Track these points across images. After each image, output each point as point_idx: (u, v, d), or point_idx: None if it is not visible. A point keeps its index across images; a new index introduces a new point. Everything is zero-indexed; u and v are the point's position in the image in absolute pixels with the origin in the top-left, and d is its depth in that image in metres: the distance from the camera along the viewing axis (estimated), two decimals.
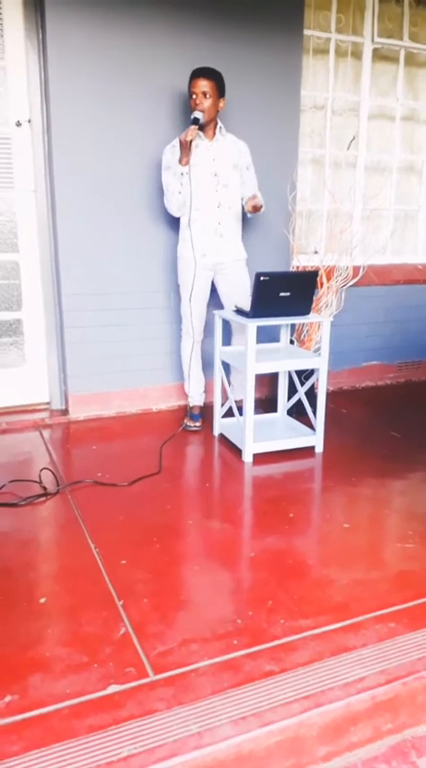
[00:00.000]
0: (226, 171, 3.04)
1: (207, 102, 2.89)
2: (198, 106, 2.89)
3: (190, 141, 2.87)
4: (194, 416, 3.31)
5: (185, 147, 2.88)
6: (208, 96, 2.89)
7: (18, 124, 3.14)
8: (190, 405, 3.42)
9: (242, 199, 3.13)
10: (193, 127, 2.85)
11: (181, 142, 2.87)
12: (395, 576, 1.99)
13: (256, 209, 3.01)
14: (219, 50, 3.25)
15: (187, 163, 2.92)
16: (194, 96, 2.90)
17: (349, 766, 1.46)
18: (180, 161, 2.92)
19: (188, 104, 3.16)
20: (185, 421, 3.31)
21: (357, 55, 3.86)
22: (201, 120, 2.88)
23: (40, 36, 3.02)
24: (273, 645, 1.65)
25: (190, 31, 3.19)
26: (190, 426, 3.27)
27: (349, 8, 3.77)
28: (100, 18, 3.02)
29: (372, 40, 3.83)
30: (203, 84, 2.88)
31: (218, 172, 3.02)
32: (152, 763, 1.29)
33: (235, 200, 3.10)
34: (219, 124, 3.02)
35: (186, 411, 3.42)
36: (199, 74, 2.90)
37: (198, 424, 3.28)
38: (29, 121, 3.15)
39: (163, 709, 1.43)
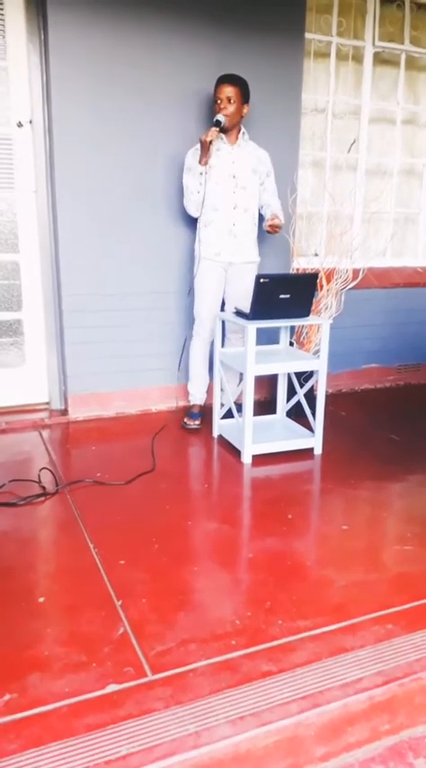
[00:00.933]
0: (244, 174, 3.09)
1: (231, 108, 2.98)
2: (222, 110, 2.97)
3: (210, 142, 2.93)
4: (194, 415, 3.32)
5: (205, 147, 2.95)
6: (232, 102, 2.98)
7: (19, 125, 3.15)
8: (191, 403, 3.43)
9: (261, 207, 3.22)
10: (214, 128, 2.93)
11: (201, 142, 2.94)
12: (393, 577, 1.99)
13: (274, 228, 3.07)
14: (221, 54, 3.26)
15: (206, 163, 2.99)
16: (219, 101, 2.98)
17: (346, 767, 1.46)
18: (199, 161, 2.99)
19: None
20: (184, 419, 3.32)
21: (358, 58, 3.88)
22: (223, 124, 2.96)
23: (42, 37, 3.03)
24: (271, 645, 1.65)
25: (191, 34, 3.20)
26: (189, 425, 3.28)
27: (350, 12, 3.79)
28: (101, 19, 3.03)
29: (373, 44, 3.85)
30: (228, 90, 2.97)
31: (237, 174, 3.07)
32: (150, 762, 1.29)
33: (251, 203, 3.16)
34: (243, 130, 3.11)
35: (186, 410, 3.43)
36: (224, 80, 3.00)
37: (197, 422, 3.29)
38: (30, 122, 3.16)
39: (161, 708, 1.43)
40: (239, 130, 3.09)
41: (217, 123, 2.94)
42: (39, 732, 1.36)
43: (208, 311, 3.23)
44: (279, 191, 3.33)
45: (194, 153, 3.07)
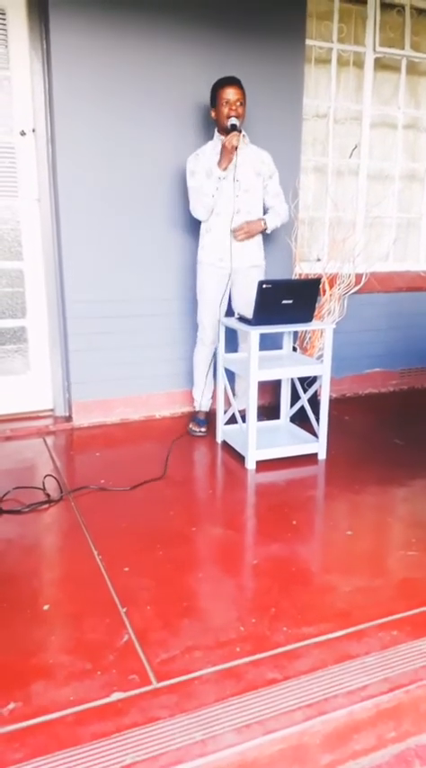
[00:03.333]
0: (247, 177, 3.09)
1: (241, 109, 2.99)
2: (233, 112, 2.96)
3: (235, 147, 2.93)
4: (199, 421, 3.32)
5: (230, 152, 2.95)
6: (240, 103, 2.98)
7: (22, 133, 3.17)
8: (196, 409, 3.43)
9: (265, 211, 3.21)
10: (236, 133, 2.92)
11: (225, 147, 2.94)
12: (398, 583, 1.98)
13: (238, 234, 3.07)
14: (222, 60, 3.27)
15: (226, 168, 2.99)
16: (227, 103, 2.96)
17: None
18: (219, 164, 2.98)
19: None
20: (190, 425, 3.32)
21: (359, 64, 3.89)
22: (238, 126, 2.96)
23: (45, 46, 3.05)
24: (276, 652, 1.65)
25: (193, 41, 3.22)
26: (195, 431, 3.28)
27: (350, 18, 3.80)
28: (103, 28, 3.05)
29: (374, 50, 3.86)
30: (237, 92, 2.97)
31: (240, 177, 3.06)
32: None
33: (255, 207, 3.15)
34: (243, 132, 3.08)
35: (191, 416, 3.43)
36: (232, 82, 2.97)
37: (203, 429, 3.29)
38: (33, 131, 3.18)
39: (166, 716, 1.43)
40: (240, 133, 3.07)
41: (234, 127, 2.93)
42: (44, 741, 1.36)
43: (210, 317, 3.23)
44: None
45: (195, 158, 3.07)
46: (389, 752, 1.51)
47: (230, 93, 2.96)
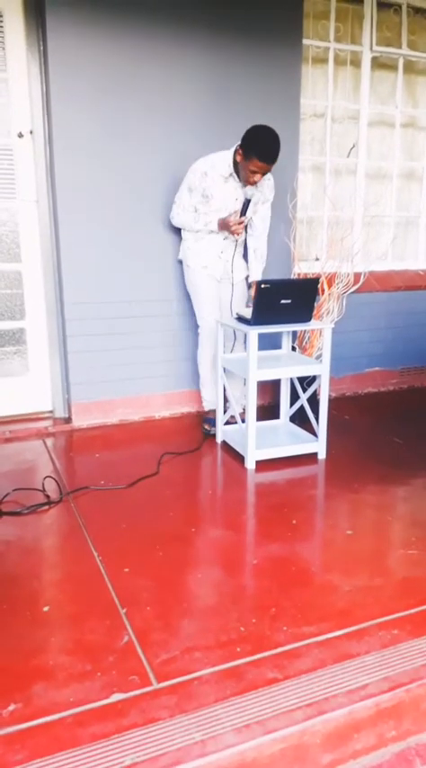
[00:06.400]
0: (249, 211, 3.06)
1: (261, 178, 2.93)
2: (252, 182, 2.92)
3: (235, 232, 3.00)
4: (211, 421, 3.30)
5: (226, 229, 3.00)
6: (263, 173, 2.90)
7: (20, 135, 3.17)
8: (206, 409, 3.42)
9: (249, 234, 3.20)
10: (243, 224, 2.97)
11: (229, 230, 2.98)
12: (399, 582, 1.98)
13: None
14: (219, 60, 3.28)
15: (219, 231, 3.06)
16: (256, 173, 2.87)
17: None
18: (217, 227, 3.02)
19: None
20: (205, 426, 3.31)
21: (356, 63, 3.89)
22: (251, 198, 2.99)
23: (42, 48, 3.05)
24: (276, 652, 1.65)
25: (190, 42, 3.22)
26: (210, 431, 3.27)
27: (347, 17, 3.80)
28: (100, 30, 3.05)
29: (371, 49, 3.86)
30: (269, 168, 2.87)
31: (235, 208, 3.04)
32: None
33: (244, 234, 3.17)
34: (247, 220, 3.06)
35: (202, 416, 3.43)
36: (272, 161, 2.85)
37: (215, 428, 3.28)
38: (30, 132, 3.18)
39: (166, 717, 1.43)
40: None
41: (248, 203, 2.95)
42: (45, 742, 1.36)
43: (209, 315, 3.24)
44: (279, 196, 3.33)
45: (202, 177, 2.98)
46: (390, 751, 1.50)
47: (263, 168, 2.86)
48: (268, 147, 2.82)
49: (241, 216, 2.97)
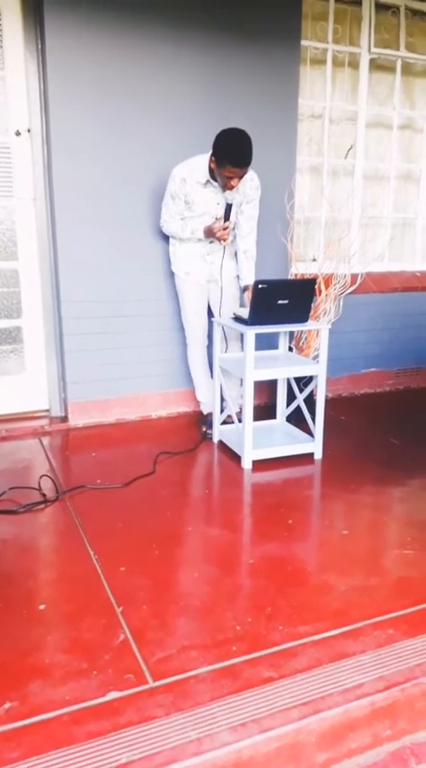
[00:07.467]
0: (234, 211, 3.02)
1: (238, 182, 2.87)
2: (230, 187, 2.87)
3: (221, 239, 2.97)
4: (210, 423, 3.29)
5: (212, 237, 2.99)
6: (239, 177, 2.85)
7: (17, 133, 3.17)
8: (205, 412, 3.41)
9: (235, 234, 3.14)
10: (229, 230, 2.94)
11: (213, 235, 2.96)
12: (394, 582, 1.99)
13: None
14: (217, 61, 3.28)
15: (205, 237, 3.04)
16: (231, 178, 2.81)
17: None
18: (203, 234, 3.00)
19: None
20: (203, 428, 3.30)
21: (354, 65, 3.90)
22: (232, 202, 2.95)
23: (40, 46, 3.05)
24: (272, 651, 1.65)
25: (188, 41, 3.22)
26: (210, 434, 3.25)
27: (345, 19, 3.81)
28: (99, 28, 3.04)
29: (369, 50, 3.87)
30: (243, 172, 2.82)
31: (219, 215, 3.01)
32: None
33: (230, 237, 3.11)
34: (231, 224, 3.02)
35: (201, 419, 3.42)
36: (244, 165, 2.78)
37: (212, 430, 3.28)
38: (28, 131, 3.17)
39: (162, 715, 1.43)
40: None
41: (230, 207, 2.91)
42: (40, 740, 1.35)
43: (194, 317, 3.24)
44: (276, 196, 3.33)
45: (182, 184, 2.93)
46: (385, 750, 1.51)
47: (238, 173, 2.80)
48: (240, 152, 2.75)
49: (225, 221, 2.94)
